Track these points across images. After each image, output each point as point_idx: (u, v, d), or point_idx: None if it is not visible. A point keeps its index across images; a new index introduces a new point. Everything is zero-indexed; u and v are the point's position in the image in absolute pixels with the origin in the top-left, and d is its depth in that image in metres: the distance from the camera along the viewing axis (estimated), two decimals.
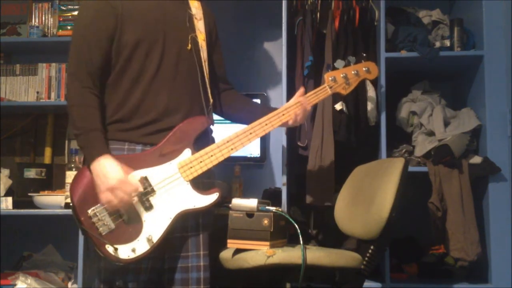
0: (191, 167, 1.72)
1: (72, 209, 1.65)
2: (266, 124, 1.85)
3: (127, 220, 1.65)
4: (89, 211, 1.62)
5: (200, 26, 1.86)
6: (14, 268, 2.81)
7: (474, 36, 2.65)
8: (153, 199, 1.68)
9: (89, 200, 1.63)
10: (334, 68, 2.01)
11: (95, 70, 1.70)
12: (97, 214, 1.63)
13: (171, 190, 1.70)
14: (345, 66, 2.02)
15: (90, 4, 1.75)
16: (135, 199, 1.66)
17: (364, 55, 2.08)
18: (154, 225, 1.66)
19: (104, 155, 1.63)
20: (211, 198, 1.73)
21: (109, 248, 1.61)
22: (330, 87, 1.98)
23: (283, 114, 1.89)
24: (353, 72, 2.02)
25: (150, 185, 1.68)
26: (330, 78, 1.99)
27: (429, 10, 2.82)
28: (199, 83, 1.81)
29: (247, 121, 1.89)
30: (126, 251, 1.62)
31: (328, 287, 1.91)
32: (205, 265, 1.77)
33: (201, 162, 1.74)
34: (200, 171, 1.73)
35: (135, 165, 1.68)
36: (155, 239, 1.65)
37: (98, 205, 1.63)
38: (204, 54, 1.84)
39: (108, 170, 1.61)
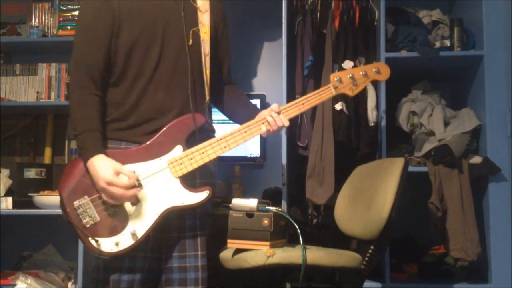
0: (181, 164, 1.69)
1: (59, 200, 1.65)
2: (263, 123, 1.78)
3: (113, 214, 1.65)
4: (75, 202, 1.63)
5: (204, 19, 1.83)
6: (14, 268, 2.81)
7: (474, 36, 2.65)
8: (139, 194, 1.66)
9: (76, 192, 1.64)
10: (341, 69, 1.88)
11: (96, 70, 1.69)
12: (82, 206, 1.63)
13: (160, 186, 1.68)
14: (353, 67, 1.89)
15: (89, 4, 1.75)
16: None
17: (376, 56, 1.94)
18: (140, 220, 1.65)
19: (97, 155, 1.63)
20: (201, 196, 1.70)
21: (92, 241, 1.62)
22: (335, 88, 1.84)
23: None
24: (361, 73, 1.87)
25: (137, 179, 1.67)
26: (335, 79, 1.84)
27: (429, 10, 2.82)
28: (197, 79, 1.79)
29: (240, 122, 1.83)
30: (109, 245, 1.62)
31: (328, 287, 1.91)
32: (203, 265, 1.76)
33: (191, 159, 1.70)
34: (190, 168, 1.70)
35: (125, 160, 1.67)
36: (140, 234, 1.64)
37: (85, 197, 1.64)
38: (205, 48, 1.81)
39: (98, 170, 1.61)
